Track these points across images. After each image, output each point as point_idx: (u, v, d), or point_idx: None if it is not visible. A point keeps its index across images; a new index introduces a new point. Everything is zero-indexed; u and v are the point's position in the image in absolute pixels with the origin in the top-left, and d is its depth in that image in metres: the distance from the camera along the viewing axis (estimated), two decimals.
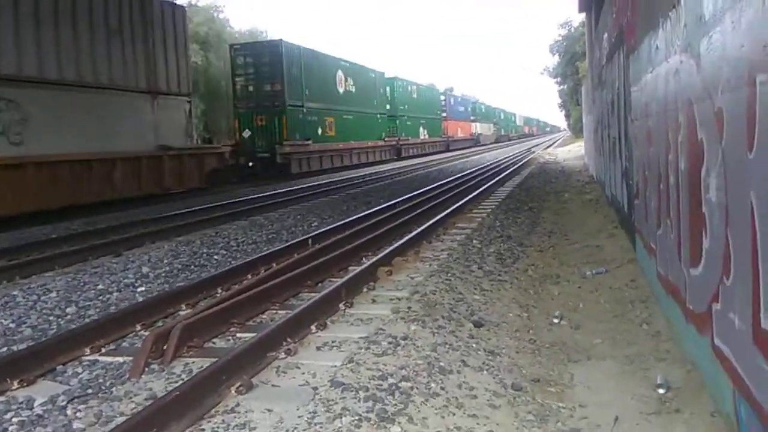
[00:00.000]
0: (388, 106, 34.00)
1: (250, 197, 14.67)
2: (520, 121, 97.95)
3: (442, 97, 47.34)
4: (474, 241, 7.44)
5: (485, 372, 3.60)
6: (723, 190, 2.65)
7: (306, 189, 16.55)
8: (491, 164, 24.59)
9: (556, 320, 4.82)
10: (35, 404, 3.27)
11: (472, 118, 56.29)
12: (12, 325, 4.96)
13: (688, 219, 3.43)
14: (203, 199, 14.89)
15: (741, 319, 2.45)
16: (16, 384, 3.49)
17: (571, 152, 30.44)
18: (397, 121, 35.33)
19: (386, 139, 33.08)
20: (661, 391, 3.33)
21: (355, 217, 9.74)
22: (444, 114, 45.96)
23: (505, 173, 18.56)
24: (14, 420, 3.08)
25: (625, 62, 6.40)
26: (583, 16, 20.11)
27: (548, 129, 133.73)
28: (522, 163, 24.89)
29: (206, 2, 32.84)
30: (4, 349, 4.31)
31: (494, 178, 16.45)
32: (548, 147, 45.89)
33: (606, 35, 8.63)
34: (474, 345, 4.03)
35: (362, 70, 30.66)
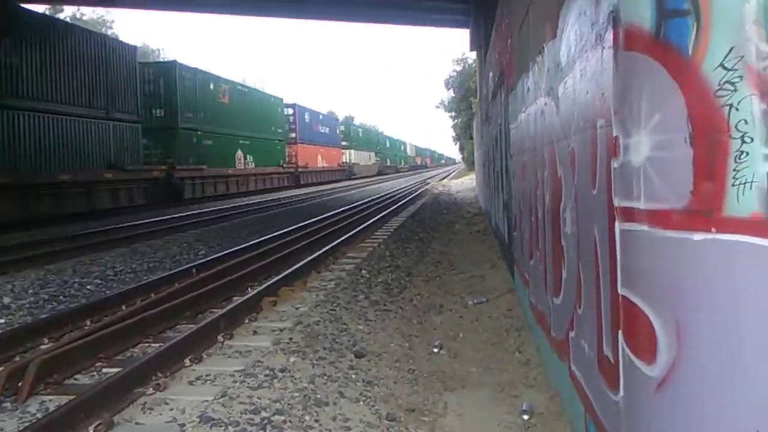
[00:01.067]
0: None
1: (134, 223, 13.96)
2: (411, 151, 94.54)
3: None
4: (363, 271, 7.50)
5: (362, 403, 3.61)
6: (575, 224, 2.86)
7: (197, 215, 16.02)
8: (387, 194, 25.03)
9: (435, 350, 4.94)
10: None
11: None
12: None
13: (552, 250, 3.66)
14: (83, 225, 13.98)
15: (589, 345, 2.63)
16: None
17: (464, 184, 31.62)
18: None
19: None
20: (525, 417, 3.49)
21: (245, 245, 9.53)
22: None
23: (400, 203, 18.94)
24: None
25: (505, 100, 6.79)
26: (474, 54, 21.17)
27: (443, 161, 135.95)
28: (417, 193, 25.54)
29: (92, 16, 31.40)
30: None
31: (389, 208, 16.73)
32: (443, 179, 47.46)
33: (491, 74, 9.13)
34: (353, 376, 4.03)
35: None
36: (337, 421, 3.27)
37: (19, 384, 3.52)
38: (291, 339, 4.47)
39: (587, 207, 2.57)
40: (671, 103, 1.69)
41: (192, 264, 7.77)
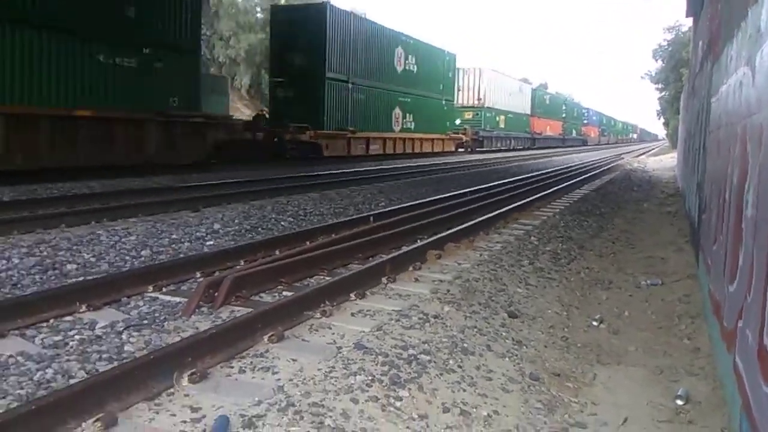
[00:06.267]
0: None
1: (327, 172, 15.17)
2: (606, 124, 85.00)
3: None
4: (532, 238, 7.43)
5: (507, 359, 3.70)
6: (755, 206, 2.63)
7: (383, 170, 16.87)
8: (573, 166, 23.96)
9: (595, 323, 4.82)
10: (96, 327, 3.69)
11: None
12: (92, 260, 5.50)
13: (732, 235, 3.38)
14: (279, 170, 15.51)
15: (752, 335, 2.45)
16: (84, 308, 3.93)
17: (662, 162, 29.12)
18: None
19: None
20: (679, 402, 3.33)
21: (422, 200, 9.91)
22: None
23: (585, 176, 18.09)
24: (76, 337, 3.50)
25: (710, 71, 6.17)
26: (691, 21, 19.09)
27: (633, 136, 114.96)
28: (608, 167, 24.10)
29: (350, 6, 32.91)
30: (81, 278, 4.82)
31: (571, 180, 16.09)
32: (640, 155, 44.00)
33: (701, 42, 8.28)
34: (503, 333, 4.12)
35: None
36: (480, 371, 3.42)
37: (215, 294, 4.16)
38: (448, 291, 4.67)
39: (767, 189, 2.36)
40: None
41: (371, 213, 8.31)
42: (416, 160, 24.06)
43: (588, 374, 3.79)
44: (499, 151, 37.04)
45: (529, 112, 44.50)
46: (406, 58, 25.38)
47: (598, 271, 6.56)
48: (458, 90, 34.43)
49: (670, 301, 5.48)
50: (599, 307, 5.26)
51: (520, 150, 40.22)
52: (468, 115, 35.29)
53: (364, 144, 22.69)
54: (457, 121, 33.57)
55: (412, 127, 26.32)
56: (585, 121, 66.92)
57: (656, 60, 39.62)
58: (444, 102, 29.44)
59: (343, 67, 21.14)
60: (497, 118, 38.01)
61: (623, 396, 3.46)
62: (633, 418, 3.13)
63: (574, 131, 60.57)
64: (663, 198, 14.07)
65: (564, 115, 54.78)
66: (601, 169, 21.96)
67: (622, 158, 35.59)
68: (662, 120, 47.42)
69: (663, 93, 41.74)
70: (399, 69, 24.90)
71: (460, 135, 32.10)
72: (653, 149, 58.93)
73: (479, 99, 35.91)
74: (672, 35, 35.70)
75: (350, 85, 21.61)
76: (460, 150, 32.45)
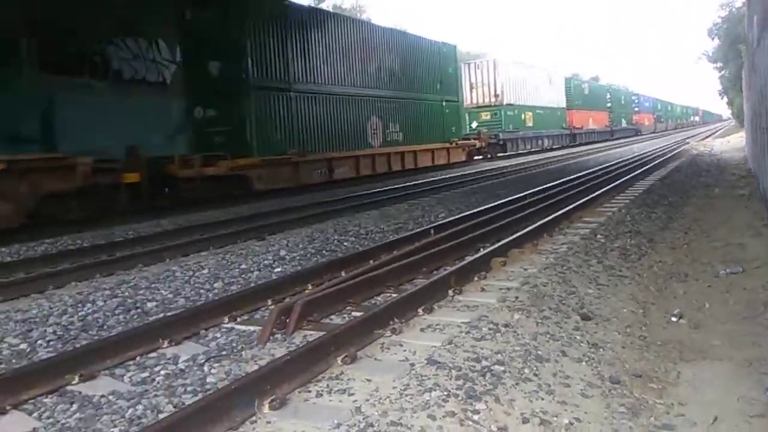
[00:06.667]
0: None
1: (383, 188, 15.32)
2: (663, 109, 78.33)
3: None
4: (598, 236, 7.25)
5: (584, 363, 3.63)
6: None
7: (438, 181, 16.87)
8: (632, 157, 23.22)
9: (674, 318, 4.67)
10: (180, 360, 3.85)
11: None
12: (170, 296, 5.74)
13: None
14: (336, 191, 15.76)
15: None
16: (166, 343, 4.11)
17: (730, 143, 27.84)
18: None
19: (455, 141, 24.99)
20: None
21: (481, 208, 9.84)
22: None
23: (647, 166, 17.50)
24: (161, 372, 3.67)
25: None
26: None
27: (696, 119, 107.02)
28: (672, 155, 23.23)
29: (350, 4, 34.01)
30: (161, 314, 5.05)
31: (633, 172, 15.60)
32: (705, 138, 42.21)
33: (755, 17, 7.92)
34: (578, 337, 4.04)
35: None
36: (557, 377, 3.36)
37: (287, 320, 4.27)
38: (517, 298, 4.62)
39: None
40: None
41: (431, 225, 8.31)
42: (474, 166, 23.85)
43: (671, 373, 3.67)
44: (530, 153, 32.42)
45: (564, 105, 38.90)
46: (383, 53, 20.61)
47: (672, 263, 6.34)
48: (471, 88, 30.74)
49: (752, 288, 5.24)
50: (677, 302, 5.08)
51: (557, 150, 35.46)
52: (485, 116, 30.57)
53: (324, 168, 17.41)
54: (473, 125, 29.74)
55: (400, 138, 21.20)
56: (636, 109, 61.31)
57: (712, 38, 38.13)
58: (444, 103, 24.07)
59: (277, 72, 16.13)
60: (522, 116, 32.75)
61: (711, 393, 3.33)
62: (723, 416, 3.01)
63: (624, 121, 55.24)
64: (734, 180, 13.46)
65: (609, 105, 49.27)
66: (664, 158, 21.18)
67: (687, 143, 34.24)
68: (725, 99, 45.43)
69: (723, 72, 40.04)
70: (372, 68, 20.04)
71: (473, 141, 27.19)
72: (719, 130, 56.39)
73: (497, 96, 30.69)
74: (725, 12, 34.28)
75: (292, 95, 16.50)
76: (477, 158, 27.91)
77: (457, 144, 24.93)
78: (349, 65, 18.91)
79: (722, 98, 48.69)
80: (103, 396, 3.37)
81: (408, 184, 16.44)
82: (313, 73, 17.37)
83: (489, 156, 28.97)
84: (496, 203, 10.51)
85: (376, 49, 20.32)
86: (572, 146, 38.35)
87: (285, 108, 16.21)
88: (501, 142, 30.13)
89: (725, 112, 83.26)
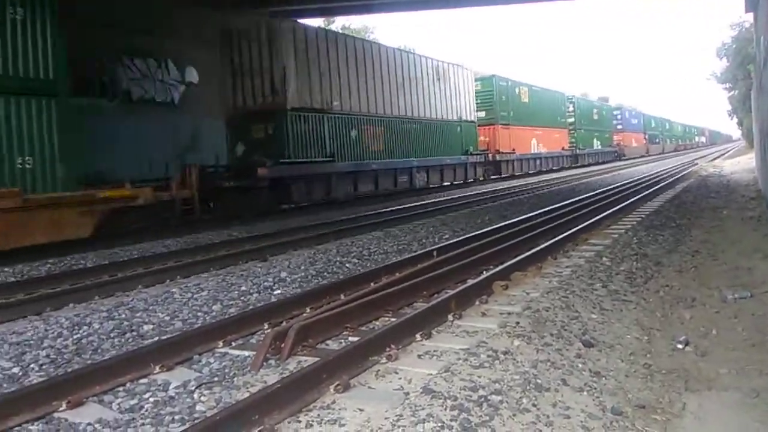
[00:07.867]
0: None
1: (388, 209, 15.24)
2: (667, 129, 70.63)
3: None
4: (604, 258, 7.14)
5: (585, 393, 3.51)
6: None
7: (443, 202, 16.80)
8: (640, 178, 23.08)
9: (680, 345, 4.54)
10: (170, 387, 3.77)
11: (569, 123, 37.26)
12: (167, 318, 5.67)
13: None
14: (344, 211, 15.70)
15: None
16: (158, 368, 4.03)
17: (740, 164, 27.62)
18: None
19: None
20: None
21: (486, 229, 9.75)
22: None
23: (655, 187, 17.36)
24: (150, 399, 3.58)
25: None
26: (751, 16, 18.27)
27: (701, 140, 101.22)
28: (680, 176, 23.09)
29: (358, 26, 34.32)
30: (156, 338, 4.97)
31: (642, 192, 15.47)
32: (715, 159, 41.99)
33: (762, 37, 7.86)
34: (579, 365, 3.93)
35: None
36: (557, 408, 3.25)
37: (282, 345, 4.18)
38: (518, 323, 4.51)
39: None
40: None
41: (434, 247, 8.22)
42: (479, 186, 23.77)
43: (676, 404, 3.55)
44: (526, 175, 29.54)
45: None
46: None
47: (678, 288, 6.21)
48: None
49: (761, 314, 5.10)
50: (683, 328, 4.96)
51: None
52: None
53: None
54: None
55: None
56: (619, 126, 49.35)
57: (720, 59, 38.04)
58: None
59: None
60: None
61: (716, 425, 3.22)
62: None
63: (597, 142, 43.45)
64: (743, 202, 13.30)
65: (572, 120, 37.55)
66: (672, 179, 21.04)
67: (696, 164, 34.06)
68: (735, 120, 45.21)
69: (732, 92, 39.91)
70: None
71: None
72: (728, 151, 56.05)
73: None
74: (735, 32, 34.27)
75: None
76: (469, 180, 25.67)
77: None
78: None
79: (732, 118, 48.45)
80: (89, 424, 3.29)
81: (414, 204, 16.39)
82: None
83: (482, 178, 27.21)
84: (505, 222, 10.44)
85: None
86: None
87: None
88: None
89: (735, 132, 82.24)
